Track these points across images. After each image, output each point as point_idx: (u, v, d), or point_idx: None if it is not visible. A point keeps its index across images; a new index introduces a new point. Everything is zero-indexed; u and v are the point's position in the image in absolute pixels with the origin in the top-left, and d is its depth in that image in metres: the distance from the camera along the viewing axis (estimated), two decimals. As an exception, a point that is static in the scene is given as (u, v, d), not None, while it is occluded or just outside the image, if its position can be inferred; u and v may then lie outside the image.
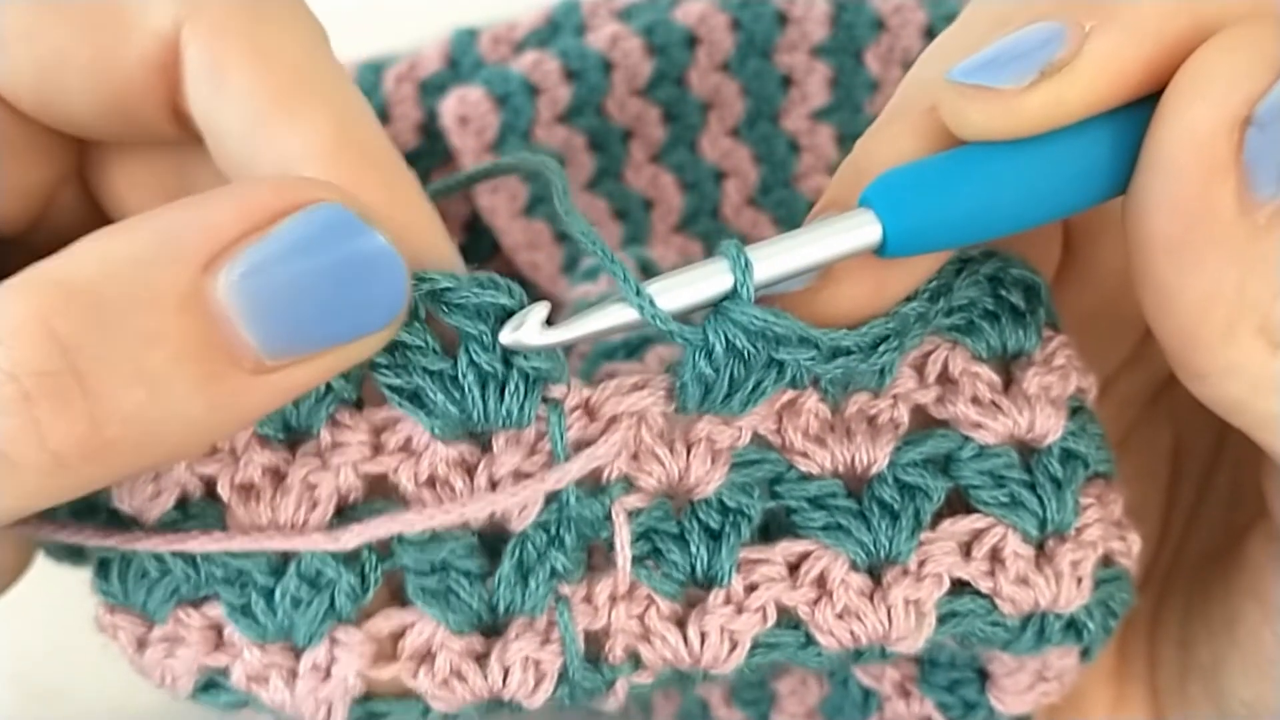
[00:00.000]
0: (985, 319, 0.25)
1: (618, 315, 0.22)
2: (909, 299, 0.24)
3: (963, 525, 0.24)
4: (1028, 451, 0.25)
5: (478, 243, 0.40)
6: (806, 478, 0.24)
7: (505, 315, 0.21)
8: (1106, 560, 0.26)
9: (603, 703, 0.24)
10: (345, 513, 0.22)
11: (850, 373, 0.24)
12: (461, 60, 0.41)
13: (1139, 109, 0.22)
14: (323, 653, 0.22)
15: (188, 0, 0.21)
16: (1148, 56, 0.21)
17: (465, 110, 0.39)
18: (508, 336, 0.21)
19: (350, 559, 0.21)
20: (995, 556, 0.25)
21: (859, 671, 0.29)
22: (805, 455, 0.24)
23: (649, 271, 0.33)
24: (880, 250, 0.22)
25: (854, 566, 0.24)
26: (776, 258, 0.22)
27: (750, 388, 0.23)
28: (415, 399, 0.21)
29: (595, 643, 0.23)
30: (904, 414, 0.25)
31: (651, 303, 0.21)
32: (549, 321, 0.21)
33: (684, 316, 0.22)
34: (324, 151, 0.20)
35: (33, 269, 0.18)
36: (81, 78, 0.21)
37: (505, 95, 0.39)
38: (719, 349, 0.22)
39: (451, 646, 0.22)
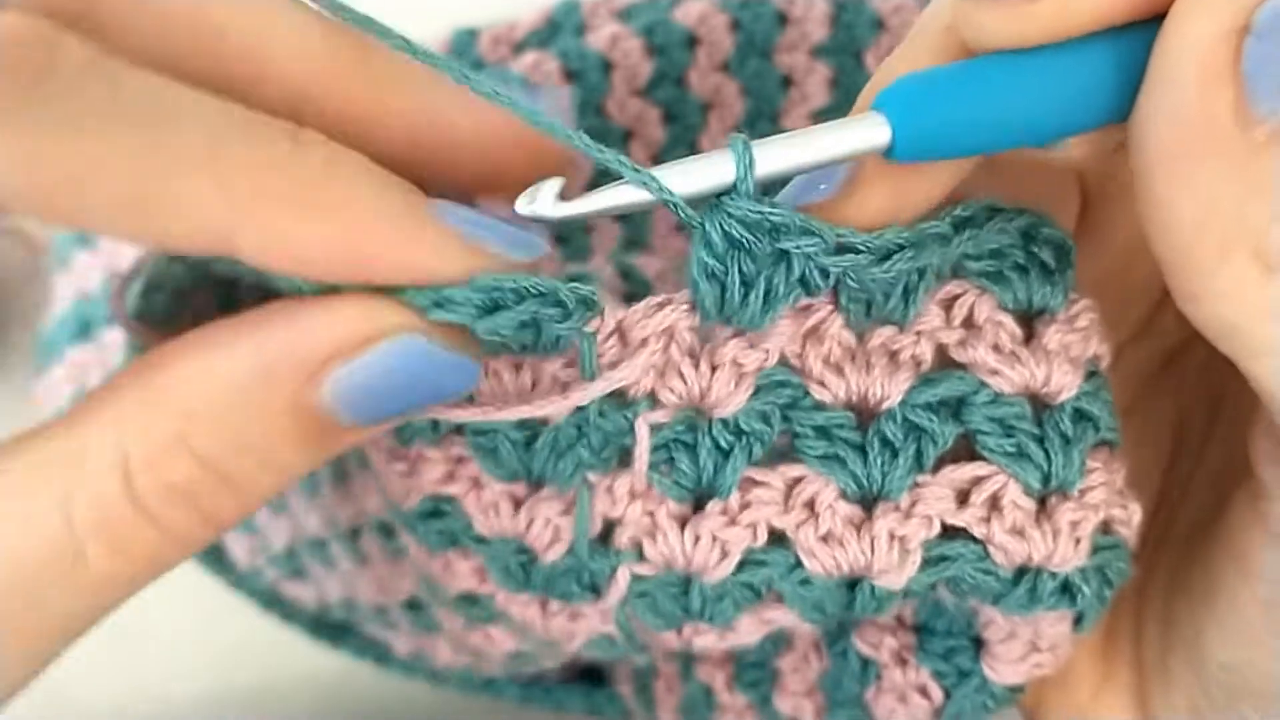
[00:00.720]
0: (1015, 271, 0.25)
1: (628, 195, 0.23)
2: (931, 221, 0.24)
3: (964, 471, 0.25)
4: (1041, 407, 0.26)
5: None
6: (819, 406, 0.25)
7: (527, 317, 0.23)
8: (1106, 527, 0.26)
9: (606, 592, 0.26)
10: None
11: (871, 294, 0.24)
12: (461, 60, 0.41)
13: (1148, 28, 0.22)
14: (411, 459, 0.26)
15: (233, 212, 0.21)
16: None
17: (465, 110, 0.39)
18: (524, 208, 0.23)
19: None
20: (994, 504, 0.25)
21: (858, 640, 0.30)
22: (822, 384, 0.25)
23: (630, 277, 0.33)
24: (890, 153, 0.22)
25: (844, 496, 0.25)
26: (783, 152, 0.23)
27: (764, 289, 0.24)
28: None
29: (609, 531, 0.25)
30: (927, 352, 0.25)
31: (658, 183, 0.22)
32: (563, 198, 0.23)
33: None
34: (236, 212, 0.21)
35: (142, 393, 0.22)
36: None
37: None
38: (717, 239, 0.23)
39: (494, 486, 0.25)
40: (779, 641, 0.31)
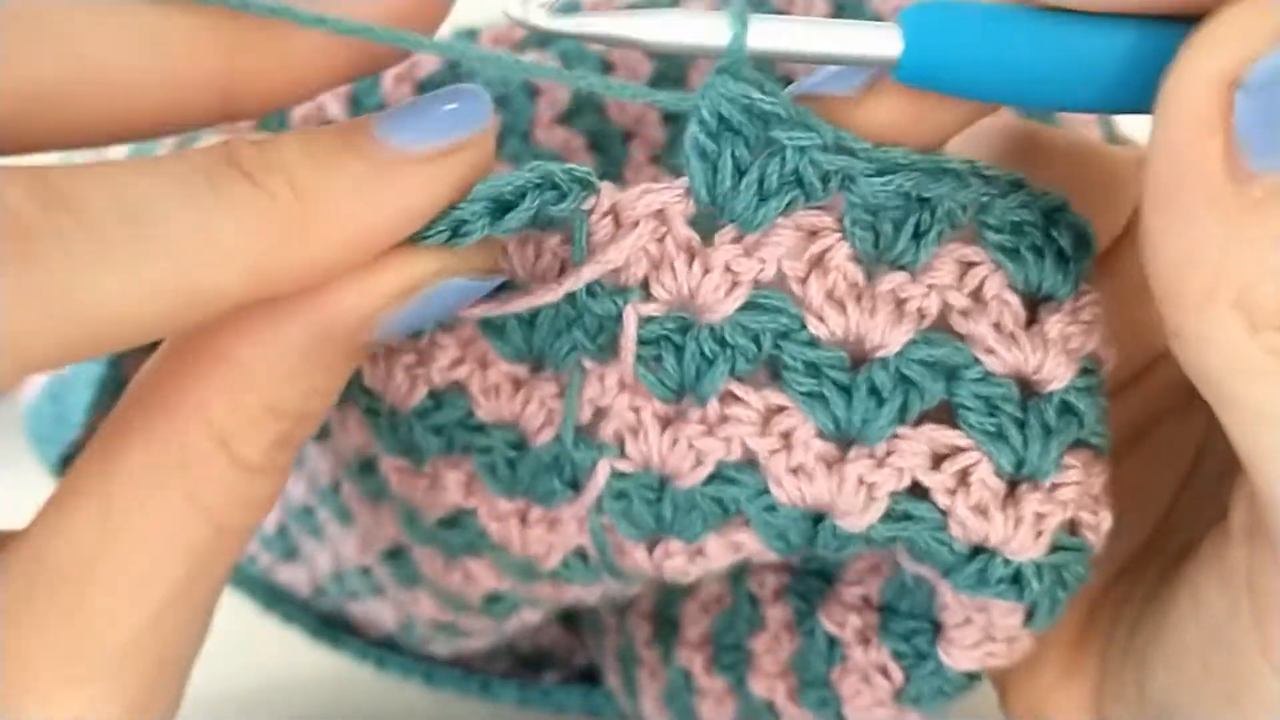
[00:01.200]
0: (1031, 251, 0.25)
1: (622, 28, 0.23)
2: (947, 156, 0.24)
3: (943, 435, 0.25)
4: (1029, 393, 0.25)
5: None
6: (813, 342, 0.25)
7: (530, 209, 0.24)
8: (1072, 528, 0.26)
9: (586, 487, 0.27)
10: None
11: (878, 222, 0.24)
12: (463, 59, 0.41)
13: (1181, 29, 0.22)
14: (428, 473, 0.28)
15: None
16: None
17: (465, 111, 0.39)
18: (515, 11, 0.23)
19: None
20: (963, 478, 0.25)
21: (824, 617, 0.30)
22: (821, 318, 0.25)
23: None
24: (897, 70, 0.22)
25: (821, 434, 0.25)
26: (782, 32, 0.22)
27: (756, 176, 0.24)
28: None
29: (595, 421, 0.26)
30: (934, 307, 0.25)
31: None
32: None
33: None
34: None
35: (216, 386, 0.24)
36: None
37: (505, 96, 0.39)
38: (709, 117, 0.23)
39: (499, 366, 0.26)
40: (753, 622, 0.32)
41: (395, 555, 0.32)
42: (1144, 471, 0.30)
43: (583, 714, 0.44)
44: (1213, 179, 0.21)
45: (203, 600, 0.25)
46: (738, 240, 0.25)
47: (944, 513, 0.25)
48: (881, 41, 0.22)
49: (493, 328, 0.26)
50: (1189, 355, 0.23)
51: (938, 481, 0.25)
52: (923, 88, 0.23)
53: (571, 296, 0.25)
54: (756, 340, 0.25)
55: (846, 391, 0.25)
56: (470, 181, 0.24)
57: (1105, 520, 0.27)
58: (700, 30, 0.23)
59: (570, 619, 0.43)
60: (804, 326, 0.25)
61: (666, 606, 0.36)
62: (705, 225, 0.25)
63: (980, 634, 0.27)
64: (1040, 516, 0.25)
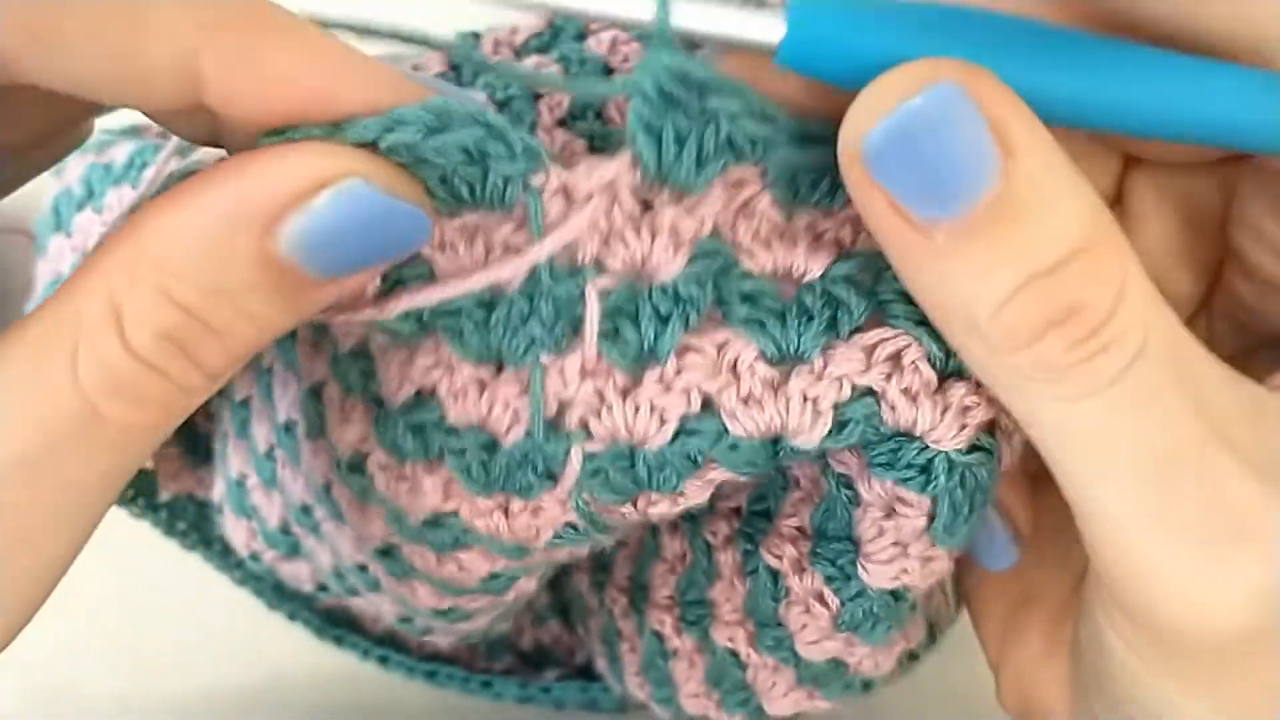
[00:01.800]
0: None
1: None
2: None
3: (872, 334, 0.26)
4: None
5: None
6: (746, 275, 0.27)
7: (473, 142, 0.25)
8: (991, 429, 0.27)
9: (562, 475, 0.28)
10: (388, 279, 0.27)
11: (797, 176, 0.26)
12: (463, 64, 0.41)
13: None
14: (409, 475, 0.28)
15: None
16: None
17: (467, 114, 0.39)
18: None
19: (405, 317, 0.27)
20: (895, 362, 0.27)
21: (764, 551, 0.33)
22: (750, 254, 0.27)
23: None
24: (775, 55, 0.24)
25: (763, 357, 0.27)
26: (692, 13, 0.24)
27: (695, 145, 0.25)
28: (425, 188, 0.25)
29: (561, 413, 0.28)
30: (849, 236, 0.28)
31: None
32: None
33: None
34: (198, 40, 0.23)
35: (123, 252, 0.23)
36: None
37: (507, 99, 0.39)
38: (651, 92, 0.25)
39: (463, 370, 0.28)
40: (710, 572, 0.34)
41: (387, 553, 0.33)
42: None
43: (582, 708, 0.45)
44: (896, 230, 0.23)
45: (60, 489, 0.24)
46: (678, 203, 0.26)
47: (878, 398, 0.27)
48: (764, 28, 0.24)
49: (451, 331, 0.27)
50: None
51: (874, 374, 0.27)
52: (804, 74, 0.24)
53: (528, 286, 0.26)
54: (701, 284, 0.27)
55: (780, 315, 0.27)
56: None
57: (1018, 434, 0.28)
58: (624, 5, 0.24)
59: (568, 615, 0.44)
60: (737, 263, 0.27)
61: (639, 572, 0.37)
62: (644, 192, 0.26)
63: (892, 546, 0.29)
64: (966, 409, 0.27)
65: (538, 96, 0.40)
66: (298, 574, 0.42)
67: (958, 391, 0.27)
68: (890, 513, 0.29)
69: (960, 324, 0.24)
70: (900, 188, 0.23)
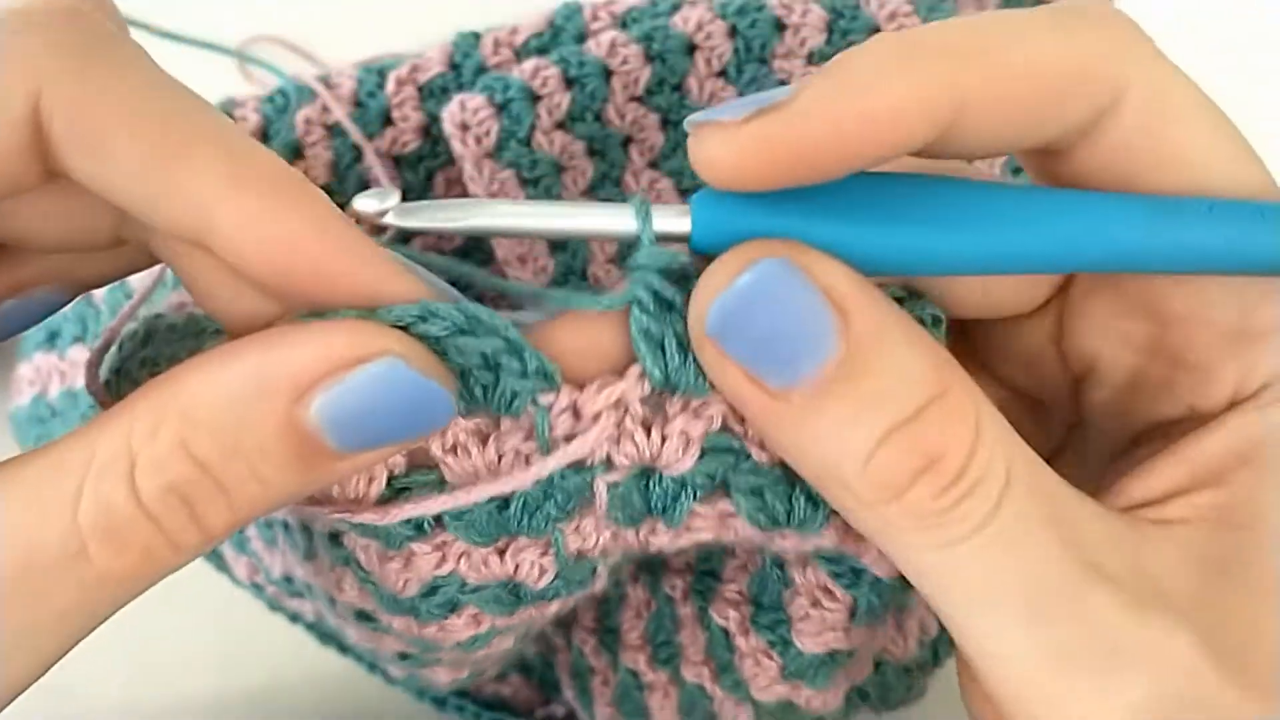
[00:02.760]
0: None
1: (535, 219, 0.26)
2: None
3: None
4: None
5: (479, 245, 0.41)
6: (757, 469, 0.27)
7: (492, 351, 0.26)
8: None
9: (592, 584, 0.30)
10: (393, 483, 0.27)
11: None
12: (463, 64, 0.41)
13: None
14: (404, 555, 0.28)
15: (36, 77, 0.23)
16: (858, 117, 0.23)
17: (465, 117, 0.39)
18: (366, 206, 0.26)
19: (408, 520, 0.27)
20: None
21: (714, 613, 0.34)
22: (761, 446, 0.27)
23: None
24: (690, 244, 0.26)
25: (762, 530, 0.28)
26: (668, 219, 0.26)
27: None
28: None
29: (581, 555, 0.29)
30: None
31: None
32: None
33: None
34: (226, 187, 0.23)
35: (153, 400, 0.24)
36: None
37: (506, 102, 0.40)
38: (646, 298, 0.25)
39: (479, 551, 0.28)
40: (674, 619, 0.36)
41: (407, 657, 0.34)
42: None
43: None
44: (756, 400, 0.24)
45: (29, 615, 0.23)
46: (686, 407, 0.27)
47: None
48: (677, 224, 0.25)
49: (463, 525, 0.27)
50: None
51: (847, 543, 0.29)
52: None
53: (541, 487, 0.27)
54: (712, 478, 0.27)
55: (789, 500, 0.27)
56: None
57: None
58: (610, 220, 0.26)
59: (528, 669, 0.45)
60: (749, 457, 0.27)
61: (605, 618, 0.39)
62: (654, 392, 0.27)
63: (820, 625, 0.31)
64: None
65: (537, 99, 0.40)
66: (300, 608, 0.42)
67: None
68: (816, 602, 0.30)
69: (832, 484, 0.25)
70: (749, 358, 0.24)
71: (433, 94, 0.41)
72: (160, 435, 0.23)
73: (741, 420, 0.27)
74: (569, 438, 0.26)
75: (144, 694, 0.48)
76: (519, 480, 0.26)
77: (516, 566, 0.28)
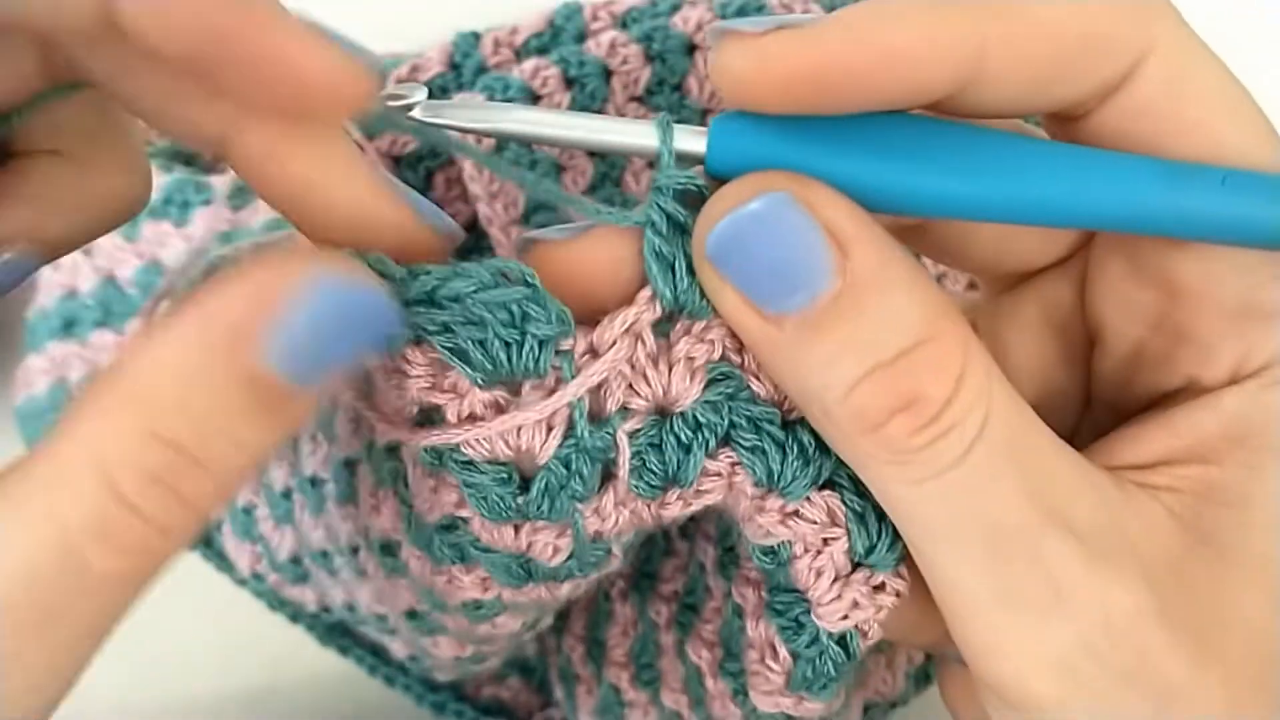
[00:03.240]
0: None
1: (559, 128, 0.26)
2: None
3: (834, 500, 0.28)
4: None
5: (478, 244, 0.41)
6: (754, 400, 0.27)
7: (518, 300, 0.25)
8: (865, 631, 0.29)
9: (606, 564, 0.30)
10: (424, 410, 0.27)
11: None
12: (463, 64, 0.41)
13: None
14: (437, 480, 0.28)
15: None
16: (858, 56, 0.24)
17: (466, 116, 0.39)
18: (394, 101, 0.26)
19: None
20: (824, 539, 0.28)
21: (689, 649, 0.35)
22: (757, 378, 0.27)
23: None
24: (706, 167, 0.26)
25: (755, 484, 0.28)
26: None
27: None
28: (463, 356, 0.26)
29: (598, 536, 0.28)
30: None
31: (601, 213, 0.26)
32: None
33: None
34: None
35: (112, 389, 0.23)
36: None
37: (508, 102, 0.40)
38: (660, 220, 0.25)
39: (491, 528, 0.28)
40: (657, 645, 0.37)
41: (414, 616, 0.34)
42: None
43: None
44: (752, 323, 0.25)
45: (43, 637, 0.23)
46: (690, 331, 0.27)
47: (795, 556, 0.29)
48: (694, 141, 0.26)
49: (476, 498, 0.27)
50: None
51: (808, 537, 0.28)
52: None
53: (564, 450, 0.26)
54: (718, 410, 0.27)
55: (781, 447, 0.27)
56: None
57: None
58: (627, 136, 0.26)
59: (528, 671, 0.46)
60: (747, 387, 0.27)
61: (594, 629, 0.40)
62: (663, 327, 0.27)
63: (766, 684, 0.31)
64: (854, 604, 0.28)
65: (537, 98, 0.40)
66: (302, 596, 0.42)
67: (856, 581, 0.28)
68: (762, 658, 0.31)
69: (814, 408, 0.26)
70: (744, 283, 0.25)
71: (432, 94, 0.41)
72: (125, 428, 0.23)
73: (740, 349, 0.27)
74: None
75: (144, 694, 0.48)
76: (544, 408, 0.26)
77: (530, 544, 0.28)
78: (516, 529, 0.28)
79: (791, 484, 0.27)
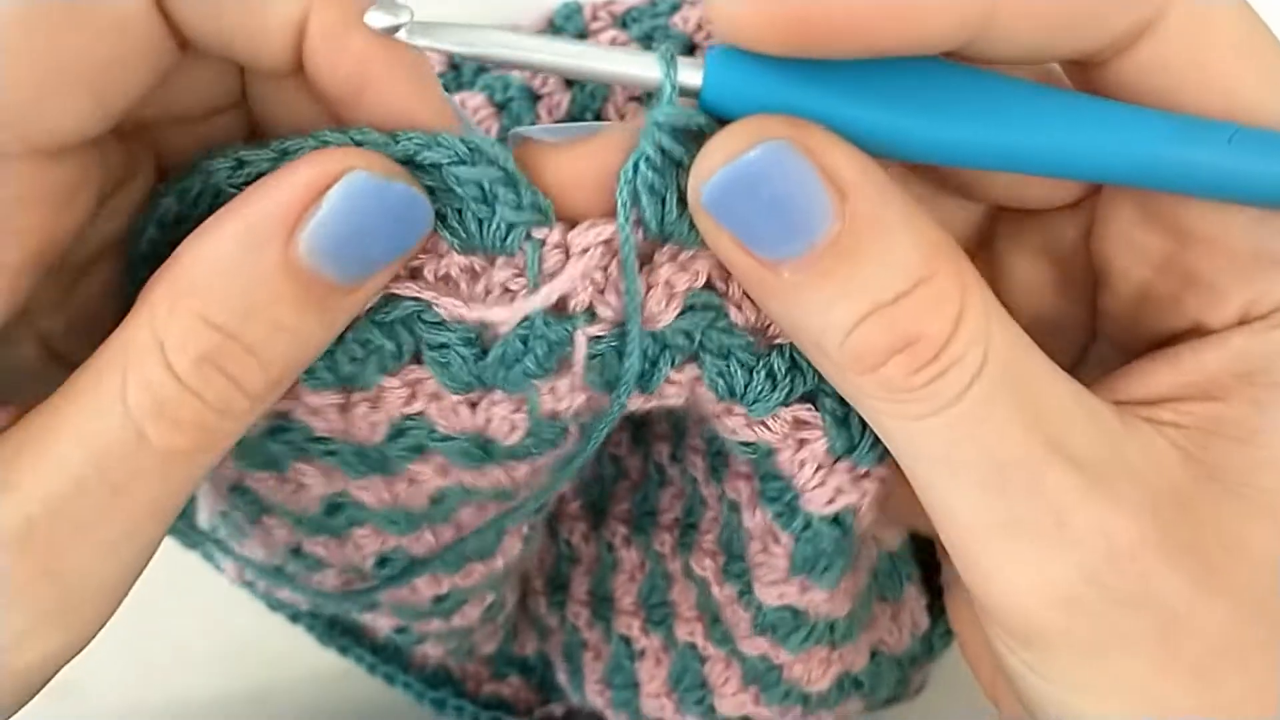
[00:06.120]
0: None
1: (562, 55, 0.26)
2: None
3: (804, 412, 0.29)
4: None
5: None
6: (730, 329, 0.28)
7: (489, 180, 0.26)
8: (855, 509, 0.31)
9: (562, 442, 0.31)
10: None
11: None
12: (463, 64, 0.41)
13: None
14: (372, 394, 0.29)
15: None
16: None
17: (465, 116, 0.39)
18: (378, 21, 0.25)
19: (390, 334, 0.28)
20: (804, 437, 0.29)
21: (694, 564, 0.37)
22: (739, 307, 0.28)
23: None
24: (700, 100, 0.26)
25: (718, 399, 0.29)
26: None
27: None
28: (441, 217, 0.27)
29: (554, 418, 0.29)
30: None
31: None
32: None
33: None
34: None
35: (163, 285, 0.25)
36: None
37: (505, 101, 0.40)
38: (654, 153, 0.26)
39: (450, 398, 0.29)
40: (667, 578, 0.38)
41: (384, 562, 0.35)
42: None
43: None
44: (749, 268, 0.25)
45: (112, 516, 0.25)
46: (674, 258, 0.27)
47: (777, 452, 0.30)
48: (690, 74, 0.25)
49: (439, 364, 0.28)
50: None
51: (786, 439, 0.29)
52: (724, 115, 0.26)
53: (521, 328, 0.27)
54: (690, 336, 0.28)
55: (749, 372, 0.28)
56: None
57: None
58: (628, 69, 0.26)
59: (528, 670, 0.46)
60: (726, 315, 0.28)
61: (599, 585, 0.40)
62: (648, 240, 0.27)
63: (770, 572, 0.32)
64: (838, 490, 0.30)
65: (537, 98, 0.40)
66: (294, 598, 0.42)
67: (840, 470, 0.29)
68: (765, 546, 0.32)
69: (812, 349, 0.26)
70: (742, 230, 0.25)
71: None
72: (177, 313, 0.24)
73: (726, 278, 0.28)
74: (555, 275, 0.27)
75: (144, 694, 0.48)
76: (505, 311, 0.27)
77: (488, 420, 0.29)
78: (474, 405, 0.28)
79: (755, 405, 0.28)
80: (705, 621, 0.37)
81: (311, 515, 0.33)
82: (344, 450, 0.30)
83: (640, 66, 0.26)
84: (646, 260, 0.27)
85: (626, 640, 0.39)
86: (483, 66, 0.42)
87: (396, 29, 0.25)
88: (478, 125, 0.27)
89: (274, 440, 0.30)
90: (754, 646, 0.35)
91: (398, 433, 0.29)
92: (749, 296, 0.28)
